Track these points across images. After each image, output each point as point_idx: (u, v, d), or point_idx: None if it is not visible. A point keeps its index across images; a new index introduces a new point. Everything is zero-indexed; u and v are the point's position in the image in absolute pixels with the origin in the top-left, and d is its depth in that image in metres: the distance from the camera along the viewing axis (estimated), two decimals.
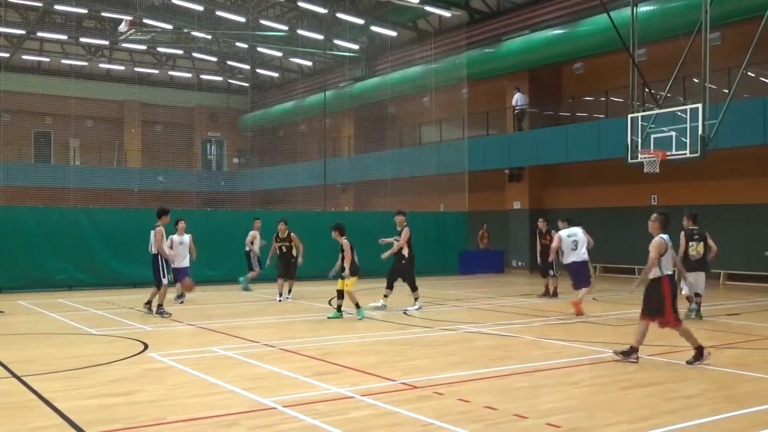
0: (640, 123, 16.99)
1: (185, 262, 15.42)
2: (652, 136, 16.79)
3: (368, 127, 36.53)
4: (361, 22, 32.48)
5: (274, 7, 35.87)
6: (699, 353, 8.74)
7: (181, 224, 15.51)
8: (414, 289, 14.64)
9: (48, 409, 6.61)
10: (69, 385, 7.69)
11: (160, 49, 40.67)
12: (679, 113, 16.26)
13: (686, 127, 15.88)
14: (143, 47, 39.61)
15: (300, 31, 34.40)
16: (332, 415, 6.40)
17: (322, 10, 32.32)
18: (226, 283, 20.17)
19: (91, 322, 12.74)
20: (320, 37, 34.67)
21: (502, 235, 27.66)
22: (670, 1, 21.10)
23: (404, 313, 14.08)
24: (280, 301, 16.33)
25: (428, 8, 29.08)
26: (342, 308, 13.36)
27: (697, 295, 13.10)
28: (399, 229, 14.70)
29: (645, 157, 16.67)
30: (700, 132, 15.66)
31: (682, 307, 11.07)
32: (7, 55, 37.11)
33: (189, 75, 43.92)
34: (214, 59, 43.19)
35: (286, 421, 6.22)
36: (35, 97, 35.60)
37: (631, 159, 17.19)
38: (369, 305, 14.45)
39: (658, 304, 8.75)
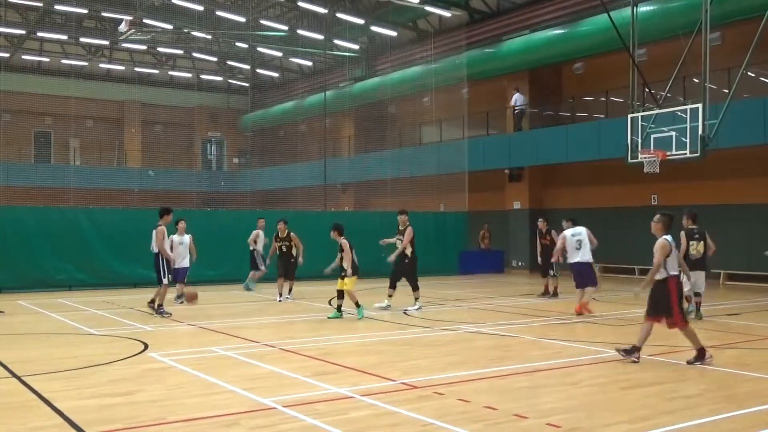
0: (640, 123, 16.99)
1: (185, 263, 15.44)
2: (652, 136, 16.79)
3: (368, 127, 36.53)
4: (361, 22, 32.48)
5: (274, 7, 35.87)
6: (701, 354, 8.74)
7: (182, 224, 15.51)
8: (415, 288, 14.64)
9: (48, 409, 6.61)
10: (69, 385, 7.70)
11: (160, 49, 40.67)
12: (679, 113, 16.25)
13: (686, 127, 15.88)
14: (143, 47, 39.61)
15: (300, 31, 34.41)
16: (332, 415, 6.40)
17: (322, 10, 32.33)
18: (226, 283, 20.19)
19: (91, 322, 12.74)
20: (320, 37, 34.67)
21: (502, 235, 27.66)
22: (670, 1, 21.10)
23: (404, 313, 14.09)
24: (280, 301, 16.34)
25: (428, 8, 29.07)
26: (342, 308, 13.37)
27: (697, 294, 13.10)
28: (402, 228, 14.67)
29: (645, 157, 16.66)
30: (700, 132, 15.65)
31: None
32: (7, 55, 37.11)
33: (189, 75, 43.93)
34: (214, 59, 43.19)
35: (286, 421, 6.22)
36: (35, 97, 35.60)
37: (631, 159, 17.18)
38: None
39: (666, 305, 8.74)
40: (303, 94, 39.32)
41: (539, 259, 17.56)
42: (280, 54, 39.52)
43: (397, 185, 29.39)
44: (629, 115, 17.25)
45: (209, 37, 37.76)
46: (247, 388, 7.38)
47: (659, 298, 8.79)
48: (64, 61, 39.08)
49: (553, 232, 17.15)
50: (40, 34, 36.71)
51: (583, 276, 14.08)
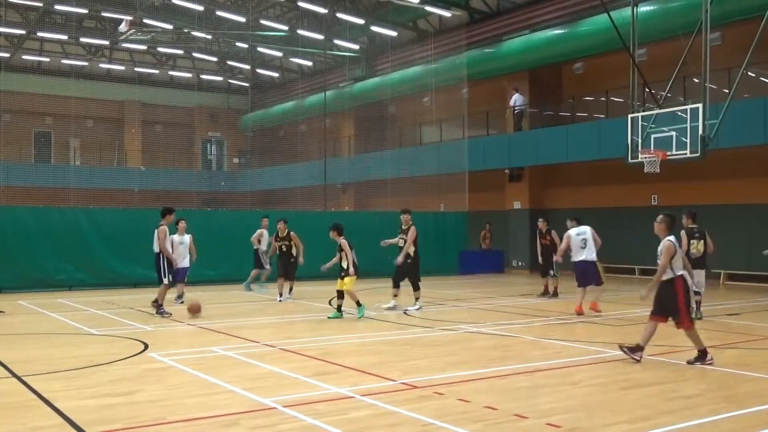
0: (640, 123, 16.98)
1: (185, 263, 15.46)
2: (653, 136, 16.78)
3: (368, 127, 36.53)
4: (361, 22, 32.48)
5: (274, 7, 35.88)
6: (702, 355, 8.74)
7: (182, 224, 15.52)
8: (416, 288, 14.64)
9: (48, 409, 6.61)
10: (69, 385, 7.70)
11: (161, 49, 40.68)
12: (679, 113, 16.25)
13: (686, 127, 15.87)
14: (143, 47, 39.62)
15: (300, 31, 34.41)
16: (332, 415, 6.40)
17: (322, 10, 32.32)
18: (226, 283, 20.19)
19: (91, 322, 12.75)
20: (320, 37, 34.67)
21: (502, 235, 27.66)
22: (671, 1, 21.10)
23: (404, 312, 14.09)
24: (280, 301, 16.33)
25: (428, 8, 29.07)
26: (342, 308, 13.37)
27: (697, 293, 13.09)
28: (405, 227, 14.63)
29: (645, 157, 16.65)
30: (700, 132, 15.65)
31: None
32: (7, 55, 37.11)
33: (189, 75, 43.93)
34: (215, 59, 43.19)
35: (286, 421, 6.22)
36: (35, 97, 35.58)
37: (631, 159, 17.18)
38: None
39: (673, 305, 8.73)
40: (303, 94, 39.33)
41: (540, 258, 17.56)
42: (280, 54, 39.52)
43: (397, 185, 29.39)
44: (629, 115, 17.24)
45: (209, 37, 37.77)
46: (247, 388, 7.38)
47: (666, 298, 8.78)
48: (64, 61, 39.09)
49: (553, 232, 17.14)
50: (40, 34, 36.72)
51: (586, 275, 14.07)
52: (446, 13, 29.91)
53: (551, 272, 17.22)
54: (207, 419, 6.30)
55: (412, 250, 14.48)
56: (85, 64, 40.33)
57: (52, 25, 36.58)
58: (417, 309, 14.37)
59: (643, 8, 20.20)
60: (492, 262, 26.50)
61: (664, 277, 8.77)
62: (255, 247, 18.64)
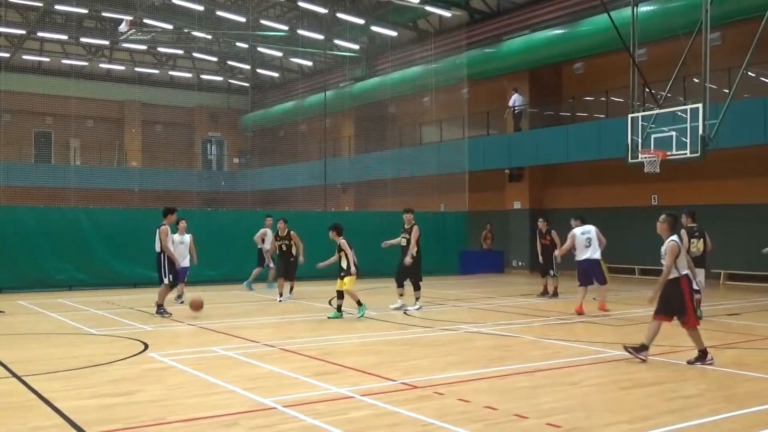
0: (640, 123, 16.99)
1: (185, 262, 15.49)
2: (653, 136, 16.79)
3: (368, 127, 36.53)
4: (361, 22, 32.48)
5: (274, 7, 35.88)
6: (702, 356, 8.74)
7: (182, 224, 15.53)
8: (417, 288, 14.62)
9: (48, 409, 6.61)
10: (69, 385, 7.70)
11: (161, 49, 40.68)
12: (679, 113, 16.25)
13: (686, 127, 15.88)
14: (143, 47, 39.62)
15: (300, 31, 34.41)
16: (332, 415, 6.40)
17: (322, 10, 32.32)
18: (226, 283, 20.19)
19: (91, 322, 12.75)
20: (320, 37, 34.67)
21: (503, 235, 27.66)
22: (671, 1, 21.10)
23: (404, 312, 14.09)
24: (280, 301, 16.32)
25: (428, 8, 29.07)
26: (342, 308, 13.37)
27: (697, 291, 13.10)
28: (407, 227, 14.60)
29: (645, 157, 16.66)
30: (700, 132, 15.66)
31: None
32: (7, 55, 37.11)
33: (189, 75, 43.93)
34: (215, 59, 43.20)
35: (286, 421, 6.22)
36: (36, 97, 35.58)
37: (631, 159, 17.18)
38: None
39: (679, 304, 8.73)
40: (303, 94, 39.33)
41: (541, 258, 17.55)
42: (280, 54, 39.52)
43: (398, 185, 29.40)
44: (629, 115, 17.25)
45: (209, 37, 37.77)
46: (247, 388, 7.38)
47: (671, 298, 8.78)
48: (64, 61, 39.09)
49: (553, 232, 17.13)
50: (40, 34, 36.72)
51: (589, 274, 14.07)
52: (446, 13, 29.91)
53: (551, 272, 17.22)
54: (207, 419, 6.30)
55: (414, 249, 14.45)
56: (86, 64, 40.34)
57: (52, 25, 36.58)
58: (417, 309, 14.36)
59: (643, 8, 20.20)
60: (492, 262, 26.50)
61: (669, 276, 8.78)
62: (259, 246, 18.64)
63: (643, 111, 17.19)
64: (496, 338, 11.04)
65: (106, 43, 38.80)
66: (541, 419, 6.25)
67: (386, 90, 32.71)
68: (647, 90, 17.70)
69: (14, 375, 8.13)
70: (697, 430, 6.05)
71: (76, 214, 20.36)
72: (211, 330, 11.83)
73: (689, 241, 12.94)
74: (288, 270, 16.66)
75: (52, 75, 35.91)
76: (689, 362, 8.74)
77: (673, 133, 16.25)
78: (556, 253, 16.05)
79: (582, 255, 14.12)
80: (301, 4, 31.45)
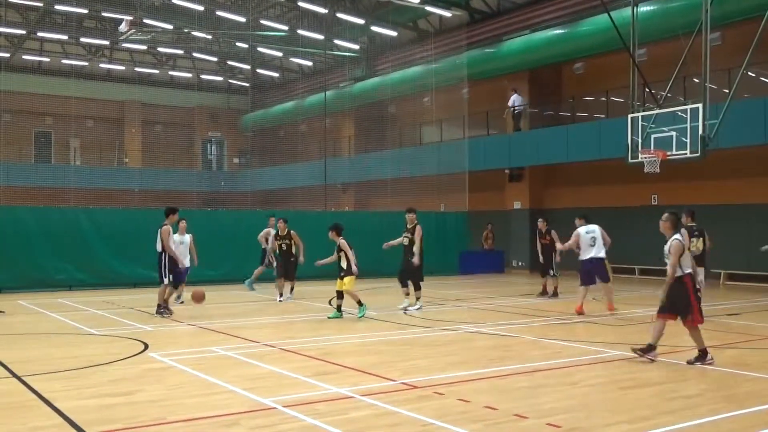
0: (640, 123, 16.98)
1: (185, 262, 15.43)
2: (653, 136, 16.79)
3: (368, 127, 36.53)
4: (361, 22, 32.48)
5: (274, 7, 35.88)
6: (702, 355, 8.74)
7: (182, 224, 15.53)
8: (417, 288, 14.60)
9: (48, 409, 6.61)
10: (69, 385, 7.70)
11: (161, 49, 40.68)
12: (679, 113, 16.25)
13: (686, 127, 15.87)
14: (143, 47, 39.62)
15: (300, 31, 34.41)
16: (332, 415, 6.40)
17: (322, 10, 32.32)
18: (226, 283, 20.19)
19: (91, 322, 12.75)
20: (320, 37, 34.67)
21: (503, 235, 27.65)
22: (671, 1, 21.10)
23: (404, 312, 14.08)
24: (280, 301, 16.32)
25: (429, 8, 29.07)
26: (342, 308, 13.36)
27: (697, 290, 13.12)
28: (410, 226, 14.57)
29: (645, 157, 16.66)
30: (700, 132, 15.65)
31: None
32: (7, 55, 37.12)
33: (189, 75, 43.93)
34: (215, 59, 43.20)
35: (286, 421, 6.22)
36: (36, 97, 35.59)
37: (631, 159, 17.18)
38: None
39: (684, 303, 8.73)
40: (303, 94, 39.33)
41: (541, 257, 17.54)
42: (280, 54, 39.52)
43: (398, 185, 29.40)
44: (629, 115, 17.25)
45: (209, 37, 37.77)
46: (247, 388, 7.38)
47: (676, 297, 8.77)
48: (64, 61, 39.09)
49: (553, 231, 17.12)
50: (40, 34, 36.72)
51: (592, 273, 14.04)
52: (446, 13, 29.91)
53: (551, 272, 17.22)
54: (207, 419, 6.30)
55: (416, 249, 14.42)
56: (86, 64, 40.34)
57: (52, 25, 36.58)
58: (417, 309, 14.36)
59: (643, 8, 20.19)
60: (492, 262, 26.50)
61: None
62: (263, 246, 18.63)
63: (643, 111, 17.19)
64: (496, 338, 11.04)
65: (106, 43, 38.80)
66: (541, 419, 6.25)
67: (386, 90, 32.71)
68: (647, 90, 17.70)
69: (14, 375, 8.13)
70: (697, 430, 6.05)
71: (76, 214, 20.36)
72: (211, 330, 11.83)
73: (689, 240, 12.95)
74: (288, 270, 16.65)
75: (52, 75, 35.92)
76: (689, 362, 8.74)
77: (673, 133, 16.25)
78: (559, 245, 16.00)
79: (587, 254, 14.11)
80: (301, 4, 31.45)
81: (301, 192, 35.11)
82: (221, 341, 10.62)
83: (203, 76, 44.89)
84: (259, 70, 43.46)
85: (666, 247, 8.84)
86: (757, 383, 7.86)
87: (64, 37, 37.44)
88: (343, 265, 13.23)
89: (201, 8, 33.01)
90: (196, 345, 10.46)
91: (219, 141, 46.81)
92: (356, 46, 35.92)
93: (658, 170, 16.57)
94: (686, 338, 9.01)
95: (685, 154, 15.98)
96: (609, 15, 17.92)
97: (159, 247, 13.62)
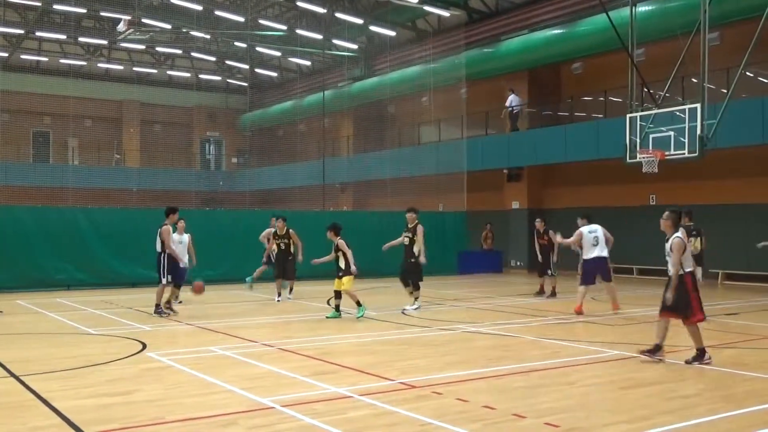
0: (638, 123, 16.99)
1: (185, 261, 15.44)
2: (651, 135, 16.80)
3: (367, 127, 36.53)
4: (360, 21, 32.48)
5: (272, 6, 35.87)
6: (700, 355, 8.74)
7: (181, 224, 15.48)
8: (416, 288, 14.57)
9: (46, 409, 6.60)
10: (67, 384, 7.69)
11: (159, 49, 40.67)
12: (677, 113, 16.26)
13: (685, 127, 15.88)
14: (142, 47, 39.61)
15: (299, 31, 34.40)
16: (330, 414, 6.39)
17: (320, 10, 32.32)
18: (224, 282, 20.17)
19: (89, 322, 12.74)
20: (319, 36, 34.67)
21: (501, 235, 27.65)
22: (669, 1, 21.11)
23: (402, 312, 14.07)
24: (278, 301, 16.31)
25: (427, 8, 29.08)
26: (340, 308, 13.35)
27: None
28: (410, 226, 14.52)
29: (644, 157, 16.67)
30: (698, 132, 15.66)
31: None
32: (5, 54, 37.11)
33: (188, 75, 43.92)
34: (213, 59, 43.18)
35: (285, 421, 6.22)
36: (34, 96, 35.59)
37: (629, 159, 17.19)
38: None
39: (685, 302, 8.73)
40: (302, 94, 39.31)
41: (540, 257, 17.54)
42: (278, 54, 39.51)
43: (396, 185, 29.39)
44: (628, 115, 17.26)
45: (208, 36, 37.75)
46: (245, 388, 7.38)
47: (676, 296, 8.78)
48: (62, 61, 39.06)
49: (550, 231, 17.12)
50: (38, 33, 36.68)
51: (596, 273, 14.02)
52: (445, 13, 29.92)
53: (549, 272, 17.22)
54: (205, 419, 6.30)
55: (416, 249, 14.39)
56: (84, 63, 40.32)
57: (50, 25, 36.55)
58: (415, 309, 14.35)
59: (642, 8, 20.22)
60: (491, 262, 26.50)
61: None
62: (266, 246, 18.59)
63: (642, 111, 17.20)
64: (495, 338, 11.04)
65: (105, 42, 38.78)
66: (540, 419, 6.25)
67: (385, 90, 32.71)
68: (645, 90, 17.70)
69: (12, 375, 8.12)
70: (696, 429, 6.05)
71: (74, 213, 20.35)
72: (209, 330, 11.82)
73: (687, 239, 12.96)
74: (287, 269, 16.63)
75: (50, 74, 35.90)
76: (687, 362, 8.74)
77: (672, 133, 16.25)
78: (559, 238, 15.92)
79: (590, 254, 14.08)
80: (299, 3, 31.44)
81: (299, 192, 35.10)
82: (219, 341, 10.62)
83: (202, 76, 44.87)
84: (257, 70, 43.45)
85: (667, 246, 8.84)
86: (755, 383, 7.86)
87: (63, 37, 37.40)
88: (342, 264, 13.22)
89: (199, 8, 32.99)
90: (194, 345, 10.45)
91: (217, 141, 46.80)
92: (355, 46, 35.92)
93: (656, 170, 16.57)
94: (685, 338, 9.01)
95: (684, 154, 15.99)
96: (607, 15, 17.93)
97: (158, 247, 13.60)
